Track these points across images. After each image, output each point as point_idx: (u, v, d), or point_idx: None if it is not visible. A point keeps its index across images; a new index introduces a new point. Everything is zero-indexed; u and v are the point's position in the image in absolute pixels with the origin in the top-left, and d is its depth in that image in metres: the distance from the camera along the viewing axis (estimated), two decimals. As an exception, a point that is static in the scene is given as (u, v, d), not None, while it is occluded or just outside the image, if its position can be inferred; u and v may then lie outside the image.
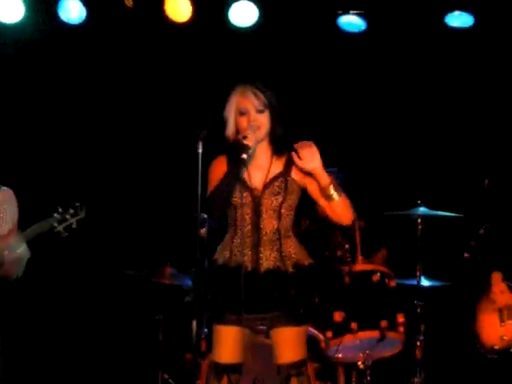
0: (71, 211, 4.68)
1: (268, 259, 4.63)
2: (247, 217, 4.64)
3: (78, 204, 4.69)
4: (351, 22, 6.77)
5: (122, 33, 6.85)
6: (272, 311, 4.61)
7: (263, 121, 4.60)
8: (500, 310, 5.83)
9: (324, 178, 4.54)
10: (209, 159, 4.72)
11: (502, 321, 5.80)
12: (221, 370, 4.67)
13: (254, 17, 6.71)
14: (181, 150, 5.85)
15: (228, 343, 4.67)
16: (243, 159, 4.50)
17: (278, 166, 4.67)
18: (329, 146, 6.39)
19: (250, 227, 4.64)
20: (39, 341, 6.74)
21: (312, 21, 6.75)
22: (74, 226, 4.67)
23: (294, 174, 4.62)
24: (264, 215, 4.64)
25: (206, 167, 4.76)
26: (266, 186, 4.64)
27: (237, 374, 4.69)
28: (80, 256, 5.31)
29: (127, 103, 6.98)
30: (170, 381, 6.44)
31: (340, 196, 4.57)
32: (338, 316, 5.84)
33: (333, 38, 6.84)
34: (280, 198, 4.64)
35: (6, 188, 4.91)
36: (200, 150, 4.79)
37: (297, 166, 4.58)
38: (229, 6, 6.75)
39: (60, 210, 4.66)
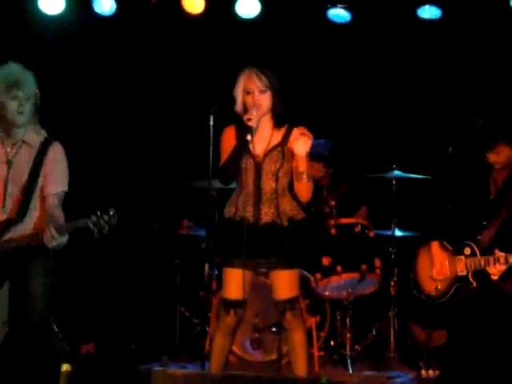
0: (105, 218, 4.40)
1: (267, 214, 4.75)
2: (250, 179, 4.75)
3: (111, 212, 4.42)
4: (339, 14, 6.72)
5: (146, 23, 6.81)
6: (270, 257, 4.74)
7: (265, 100, 4.68)
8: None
9: (302, 164, 4.64)
10: (219, 130, 4.91)
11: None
12: (228, 304, 4.80)
13: (256, 9, 6.71)
14: (196, 123, 5.90)
15: (234, 283, 4.77)
16: (247, 140, 4.64)
17: (277, 137, 4.76)
18: (318, 119, 6.57)
19: (252, 187, 4.75)
20: (76, 280, 6.68)
21: (305, 13, 6.72)
22: (105, 231, 4.42)
23: (291, 145, 4.69)
24: (264, 178, 4.75)
25: (216, 137, 4.87)
26: (266, 153, 4.74)
27: (241, 309, 4.81)
28: (117, 211, 5.21)
29: (150, 84, 6.94)
30: (187, 313, 6.53)
31: (308, 182, 4.67)
32: (325, 260, 5.99)
33: (323, 27, 6.79)
34: (278, 164, 4.74)
35: (57, 143, 4.73)
36: (211, 123, 4.93)
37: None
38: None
39: (98, 213, 4.40)
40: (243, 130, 4.68)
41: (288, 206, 4.78)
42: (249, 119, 4.64)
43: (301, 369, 4.81)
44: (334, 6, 6.74)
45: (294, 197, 4.81)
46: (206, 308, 5.87)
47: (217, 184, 4.85)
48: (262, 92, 4.69)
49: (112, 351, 6.20)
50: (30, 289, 4.59)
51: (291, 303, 4.78)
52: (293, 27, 6.80)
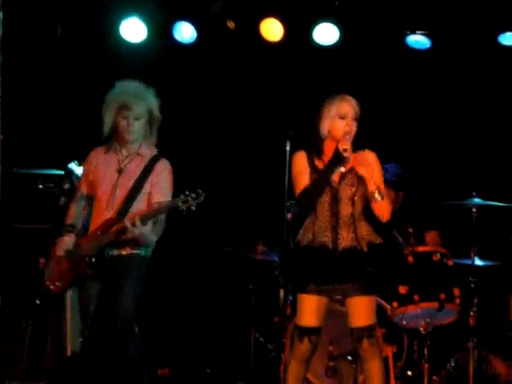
0: (193, 195, 4.72)
1: (346, 239, 4.69)
2: (326, 204, 4.70)
3: (199, 190, 4.75)
4: (418, 40, 6.67)
5: (226, 50, 6.88)
6: (347, 283, 4.66)
7: (355, 127, 4.68)
8: None
9: (371, 185, 4.62)
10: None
11: None
12: (302, 331, 4.73)
13: (335, 36, 6.68)
14: (273, 148, 5.93)
15: (309, 309, 4.71)
16: (342, 172, 4.64)
17: (350, 162, 4.69)
18: (396, 144, 6.48)
19: (328, 213, 4.69)
20: (152, 304, 6.60)
21: (384, 40, 6.69)
22: (193, 207, 4.72)
23: (357, 169, 4.66)
24: (341, 202, 4.69)
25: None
26: (342, 178, 4.70)
27: (316, 336, 4.74)
28: (191, 236, 5.23)
29: (230, 110, 7.00)
30: (261, 339, 6.51)
31: (382, 201, 4.63)
32: (402, 289, 5.85)
33: (402, 54, 6.77)
34: (354, 188, 4.70)
35: (166, 160, 4.99)
36: (288, 148, 4.90)
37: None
38: (313, 26, 6.66)
39: (186, 192, 4.73)
40: (317, 154, 4.66)
41: (365, 231, 4.73)
42: (345, 150, 4.59)
43: None
44: (413, 32, 6.68)
45: (370, 221, 4.74)
46: (281, 334, 5.81)
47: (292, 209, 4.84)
48: (354, 119, 4.67)
49: (187, 376, 6.19)
50: (121, 290, 4.77)
51: (368, 331, 4.68)
52: (371, 54, 6.77)
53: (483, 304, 6.13)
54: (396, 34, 6.72)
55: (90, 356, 4.87)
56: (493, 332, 6.30)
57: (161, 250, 5.04)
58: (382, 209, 4.69)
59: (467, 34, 6.59)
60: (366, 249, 4.68)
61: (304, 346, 4.73)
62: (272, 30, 6.73)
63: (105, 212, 4.86)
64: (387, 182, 6.17)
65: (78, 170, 6.01)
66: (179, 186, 4.72)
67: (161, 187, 4.88)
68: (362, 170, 4.63)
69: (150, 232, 4.79)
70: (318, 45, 6.74)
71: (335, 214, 4.68)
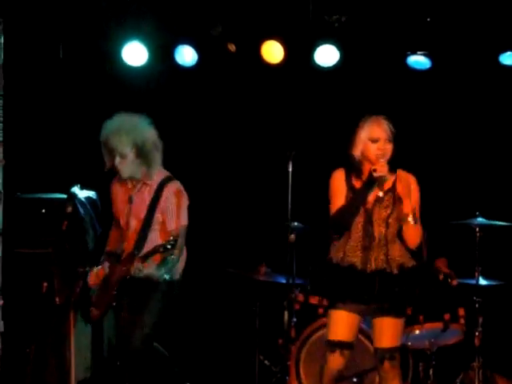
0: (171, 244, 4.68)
1: (376, 261, 4.64)
2: (359, 225, 4.65)
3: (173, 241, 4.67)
4: (418, 60, 6.63)
5: (227, 72, 6.85)
6: (376, 303, 4.62)
7: (389, 149, 4.64)
8: None
9: (407, 206, 4.57)
10: (297, 175, 4.84)
11: None
12: (334, 345, 4.65)
13: (335, 58, 6.64)
14: (275, 169, 5.96)
15: (342, 324, 4.64)
16: (379, 196, 4.60)
17: (387, 183, 4.66)
18: (398, 163, 6.41)
19: (361, 233, 4.65)
20: None
21: (384, 60, 6.65)
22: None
23: (399, 190, 4.62)
24: (374, 224, 4.65)
25: (295, 184, 4.82)
26: (377, 199, 4.65)
27: (348, 350, 4.65)
28: (194, 257, 5.20)
29: (231, 132, 6.97)
30: (266, 362, 6.44)
31: (415, 225, 4.58)
32: (407, 310, 5.69)
33: (402, 74, 6.75)
34: (388, 210, 4.65)
35: (174, 182, 4.93)
36: (290, 169, 4.88)
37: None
38: (314, 48, 6.64)
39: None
40: (356, 174, 4.64)
41: (398, 253, 4.66)
42: (375, 170, 4.56)
43: None
44: (414, 52, 6.66)
45: (404, 244, 4.69)
46: (285, 356, 5.78)
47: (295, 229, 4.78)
48: (388, 141, 4.64)
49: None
50: (143, 316, 4.79)
51: (391, 353, 4.65)
52: (372, 74, 6.74)
53: (488, 324, 6.12)
54: (396, 54, 6.69)
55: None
56: (498, 352, 6.25)
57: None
58: (413, 234, 4.62)
59: (468, 53, 6.56)
60: (396, 271, 4.62)
61: (335, 358, 4.64)
62: (273, 52, 6.71)
63: (125, 243, 4.89)
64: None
65: (80, 193, 6.00)
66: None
67: (170, 213, 4.83)
68: (400, 188, 4.59)
69: (156, 268, 4.77)
70: (318, 66, 6.71)
71: (368, 234, 4.64)
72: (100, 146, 4.93)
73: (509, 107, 6.69)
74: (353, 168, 4.68)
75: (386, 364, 4.64)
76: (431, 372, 5.91)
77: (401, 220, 4.62)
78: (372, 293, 4.61)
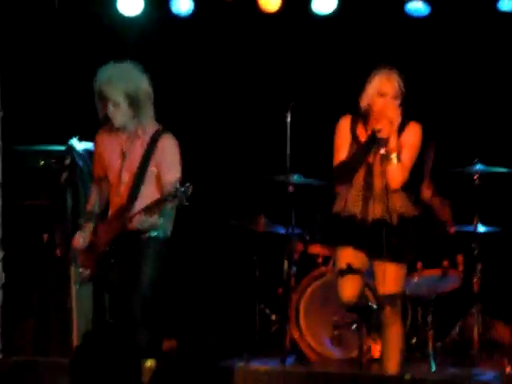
0: (182, 189, 4.49)
1: (376, 211, 4.64)
2: (360, 177, 4.66)
3: (188, 184, 4.51)
4: (417, 7, 6.50)
5: (223, 22, 6.77)
6: (376, 253, 4.63)
7: (395, 106, 4.61)
8: None
9: (393, 142, 4.55)
10: (296, 126, 4.82)
11: None
12: (344, 272, 4.63)
13: (333, 5, 6.51)
14: (274, 120, 5.91)
15: (347, 255, 4.63)
16: (381, 154, 4.57)
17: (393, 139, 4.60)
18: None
19: (362, 184, 4.66)
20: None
21: (382, 7, 6.54)
22: (184, 202, 4.50)
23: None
24: (376, 175, 4.65)
25: (293, 132, 4.78)
26: (380, 156, 4.63)
27: (359, 275, 4.64)
28: (195, 209, 5.15)
29: (229, 82, 6.87)
30: (266, 311, 6.45)
31: (397, 163, 4.56)
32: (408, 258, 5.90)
33: (401, 22, 6.62)
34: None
35: (168, 134, 4.78)
36: (288, 120, 4.85)
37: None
38: None
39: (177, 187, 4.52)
40: (362, 123, 4.59)
41: (398, 203, 4.66)
42: (379, 131, 4.53)
43: (393, 364, 4.71)
44: (413, -1, 6.56)
45: (407, 194, 4.70)
46: (285, 305, 5.82)
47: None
48: (395, 98, 4.60)
49: (193, 347, 6.19)
50: (139, 275, 4.67)
51: (392, 299, 4.67)
52: (370, 22, 6.65)
53: (486, 270, 6.14)
54: (395, 0, 6.59)
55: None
56: (496, 298, 6.28)
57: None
58: (394, 174, 4.60)
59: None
60: (395, 221, 4.62)
61: (346, 284, 4.62)
62: (269, 0, 6.61)
63: (115, 198, 4.76)
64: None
65: (79, 145, 5.97)
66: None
67: (168, 166, 4.71)
68: (383, 125, 4.53)
69: (157, 219, 4.64)
70: (316, 14, 6.60)
71: (369, 185, 4.65)
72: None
73: (506, 53, 6.61)
74: (359, 116, 4.63)
75: (387, 310, 4.67)
76: (430, 319, 5.92)
77: (385, 157, 4.59)
78: (372, 242, 4.61)
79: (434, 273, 5.85)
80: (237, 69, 6.91)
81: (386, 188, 4.64)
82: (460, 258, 5.89)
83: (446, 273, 5.84)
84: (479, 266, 6.08)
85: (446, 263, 5.83)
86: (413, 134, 4.67)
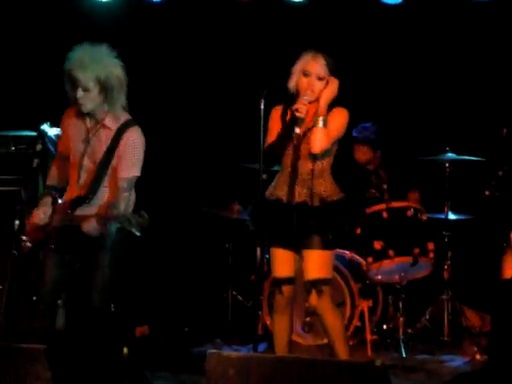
0: (136, 219, 4.33)
1: (300, 195, 4.63)
2: (289, 160, 4.65)
3: (142, 213, 4.34)
4: None
5: (196, 8, 6.75)
6: (298, 237, 4.61)
7: (319, 87, 4.58)
8: None
9: (322, 108, 4.55)
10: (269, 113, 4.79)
11: None
12: (276, 283, 4.73)
13: None
14: (248, 106, 5.92)
15: (277, 260, 4.71)
16: (296, 133, 4.56)
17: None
18: (368, 101, 6.44)
19: (289, 168, 4.65)
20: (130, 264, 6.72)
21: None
22: (136, 232, 4.35)
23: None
24: (301, 159, 4.63)
25: (267, 120, 4.76)
26: (304, 134, 4.62)
27: (289, 285, 4.69)
28: (168, 196, 5.13)
29: (201, 69, 6.86)
30: (239, 297, 6.52)
31: (322, 128, 4.53)
32: (377, 244, 5.89)
33: (374, 9, 6.66)
34: None
35: (135, 128, 4.58)
36: (262, 106, 4.83)
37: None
38: None
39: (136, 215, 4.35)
40: (291, 109, 4.57)
41: (323, 188, 4.65)
42: (296, 110, 4.52)
43: (340, 351, 4.67)
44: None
45: (332, 179, 4.71)
46: (258, 292, 5.79)
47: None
48: (319, 79, 4.58)
49: (165, 334, 6.19)
50: (97, 272, 4.55)
51: (316, 284, 4.62)
52: (343, 9, 6.68)
53: (457, 257, 6.20)
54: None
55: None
56: (466, 285, 6.32)
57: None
58: (317, 137, 4.54)
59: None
60: (316, 204, 4.62)
61: (278, 297, 4.71)
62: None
63: (75, 185, 4.62)
64: (366, 141, 6.28)
65: (50, 131, 5.91)
66: (151, 146, 4.60)
67: (125, 162, 4.50)
68: (302, 104, 4.51)
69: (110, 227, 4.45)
70: (289, 1, 6.65)
71: (294, 169, 4.64)
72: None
73: (479, 41, 6.64)
74: (287, 103, 4.63)
75: (313, 296, 4.63)
76: (401, 305, 5.95)
77: (312, 122, 4.57)
78: (292, 226, 4.58)
79: (405, 260, 5.86)
80: (210, 55, 6.88)
81: (312, 172, 4.63)
82: (431, 245, 5.91)
83: (417, 260, 5.85)
84: (450, 254, 6.13)
85: (416, 250, 5.85)
86: (339, 113, 4.63)
